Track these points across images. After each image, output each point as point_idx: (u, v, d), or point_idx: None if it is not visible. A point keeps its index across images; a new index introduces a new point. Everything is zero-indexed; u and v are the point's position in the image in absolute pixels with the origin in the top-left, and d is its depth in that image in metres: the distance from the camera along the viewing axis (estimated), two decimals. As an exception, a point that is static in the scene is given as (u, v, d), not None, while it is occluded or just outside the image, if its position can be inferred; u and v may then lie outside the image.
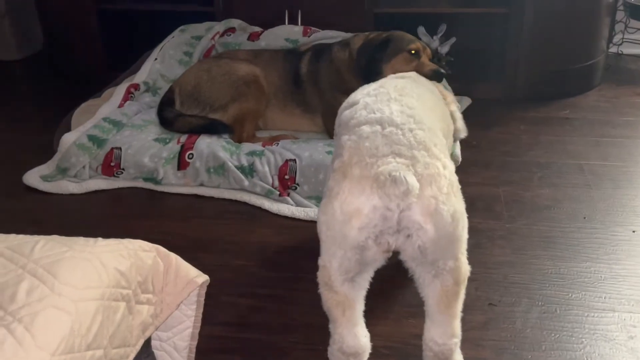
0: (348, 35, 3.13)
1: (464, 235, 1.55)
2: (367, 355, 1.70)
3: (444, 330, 1.62)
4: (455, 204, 1.48)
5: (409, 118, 1.57)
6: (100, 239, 1.25)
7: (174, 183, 2.73)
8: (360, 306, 1.64)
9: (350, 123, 1.63)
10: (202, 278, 1.37)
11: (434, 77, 2.71)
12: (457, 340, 1.66)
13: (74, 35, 3.92)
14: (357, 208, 1.42)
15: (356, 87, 2.76)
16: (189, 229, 2.50)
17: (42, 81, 4.26)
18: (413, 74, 2.18)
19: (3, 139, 3.34)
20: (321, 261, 1.59)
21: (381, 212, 1.41)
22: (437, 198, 1.43)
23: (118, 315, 1.15)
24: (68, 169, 2.79)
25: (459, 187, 1.57)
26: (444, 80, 3.25)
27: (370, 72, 2.67)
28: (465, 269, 1.60)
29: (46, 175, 2.81)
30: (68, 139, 2.79)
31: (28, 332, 0.96)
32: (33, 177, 2.80)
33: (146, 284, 1.26)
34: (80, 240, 1.22)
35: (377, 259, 1.54)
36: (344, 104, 1.83)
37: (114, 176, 2.77)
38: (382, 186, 1.38)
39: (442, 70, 2.72)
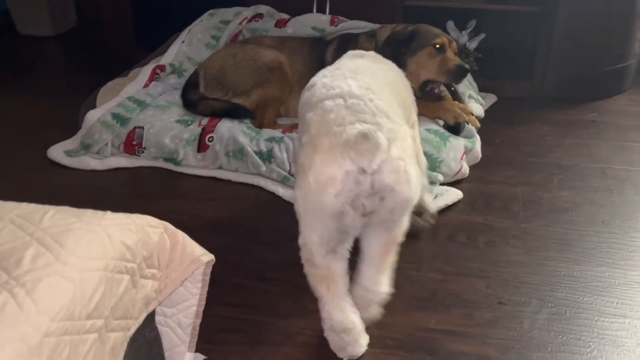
0: (375, 26, 3.12)
1: (417, 198, 1.64)
2: (359, 331, 1.76)
3: (380, 278, 1.74)
4: (415, 167, 1.59)
5: (367, 90, 1.65)
6: (109, 212, 1.28)
7: (193, 165, 2.76)
8: (343, 281, 1.70)
9: (312, 101, 1.70)
10: (208, 257, 1.39)
11: (458, 72, 2.70)
12: (388, 289, 1.78)
13: (106, 15, 3.98)
14: (330, 176, 1.48)
15: None
16: (205, 211, 2.52)
17: (74, 58, 4.35)
18: (372, 53, 2.18)
19: (32, 112, 3.41)
20: (301, 239, 1.66)
21: (354, 176, 1.47)
22: (404, 159, 1.52)
23: (121, 287, 1.18)
24: (91, 145, 2.84)
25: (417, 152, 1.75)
26: (469, 76, 3.24)
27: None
28: (406, 226, 1.72)
29: (70, 150, 2.87)
30: (92, 116, 2.84)
31: (29, 297, 0.98)
32: (57, 152, 2.86)
33: (152, 259, 1.29)
34: (89, 212, 1.25)
35: (356, 225, 1.58)
36: (305, 88, 1.88)
37: (135, 155, 2.81)
38: (354, 145, 1.45)
39: (466, 66, 2.70)
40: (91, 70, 3.90)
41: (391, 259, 1.75)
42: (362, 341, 1.80)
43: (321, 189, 1.49)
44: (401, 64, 2.64)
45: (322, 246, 1.62)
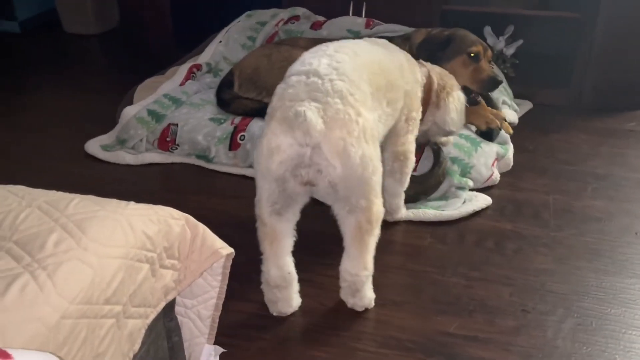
0: (410, 29, 3.11)
1: (374, 178, 1.75)
2: (292, 289, 1.95)
3: (357, 262, 1.87)
4: (365, 149, 1.69)
5: (333, 70, 1.75)
6: (132, 202, 1.31)
7: (225, 162, 2.80)
8: (287, 241, 1.87)
9: (286, 74, 1.83)
10: (227, 250, 1.41)
11: (489, 83, 2.70)
12: (367, 274, 1.92)
13: (147, 15, 4.08)
14: (277, 145, 1.66)
15: None
16: (232, 207, 2.56)
17: (115, 56, 4.46)
18: (386, 42, 2.25)
19: (72, 107, 3.52)
20: (256, 196, 1.83)
21: (296, 148, 1.65)
22: (346, 140, 1.64)
23: (140, 275, 1.21)
24: (127, 140, 2.91)
25: (375, 136, 1.79)
26: (505, 82, 3.20)
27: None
28: (378, 210, 1.81)
29: (106, 145, 2.94)
30: (129, 112, 2.91)
31: (50, 280, 1.02)
32: (94, 146, 2.94)
33: (172, 249, 1.32)
34: (114, 201, 1.29)
35: (298, 192, 1.76)
36: None
37: (169, 151, 2.87)
38: (290, 122, 1.61)
39: (499, 78, 2.71)
40: (131, 68, 3.99)
41: (366, 245, 1.85)
42: (293, 303, 1.97)
43: (269, 155, 1.68)
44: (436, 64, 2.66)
45: (267, 206, 1.80)
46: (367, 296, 1.98)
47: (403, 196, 2.40)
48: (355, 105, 1.70)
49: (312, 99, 1.66)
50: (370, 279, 1.95)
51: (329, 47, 1.91)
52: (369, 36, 3.15)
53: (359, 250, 1.86)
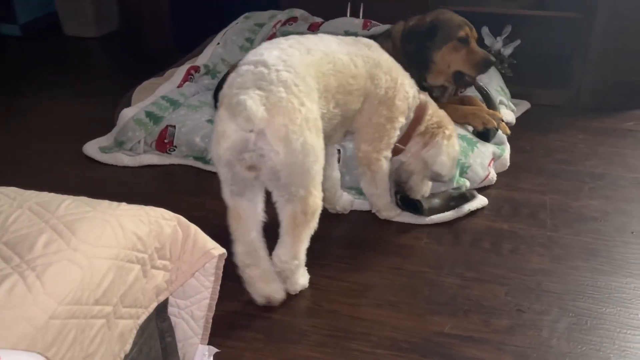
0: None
1: (315, 168, 1.82)
2: (264, 268, 1.99)
3: (288, 250, 1.94)
4: (307, 137, 1.76)
5: (281, 62, 1.81)
6: (124, 203, 1.32)
7: (222, 164, 2.80)
8: (251, 220, 1.94)
9: (239, 63, 1.89)
10: (219, 250, 1.42)
11: (483, 65, 2.68)
12: (297, 263, 1.99)
13: (146, 17, 4.10)
14: (224, 131, 1.75)
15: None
16: (229, 209, 2.56)
17: (115, 58, 4.47)
18: (372, 43, 2.24)
19: (71, 109, 3.54)
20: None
21: (241, 134, 1.72)
22: (288, 127, 1.71)
23: (131, 276, 1.21)
24: (125, 142, 2.92)
25: (319, 127, 1.83)
26: (502, 82, 3.20)
27: (421, 59, 2.67)
28: (314, 202, 1.87)
29: (104, 146, 2.96)
30: (127, 114, 2.92)
31: (39, 280, 1.03)
32: (92, 148, 2.95)
33: (163, 250, 1.32)
34: (105, 203, 1.29)
35: (245, 176, 1.82)
36: None
37: (167, 152, 2.88)
38: (232, 107, 1.69)
39: (492, 58, 2.69)
40: (130, 71, 4.01)
41: (298, 236, 1.92)
42: (273, 285, 2.00)
43: (218, 141, 1.77)
44: (428, 58, 2.66)
45: (226, 188, 1.90)
46: (299, 283, 2.06)
47: (387, 197, 2.40)
48: (299, 95, 1.77)
49: (258, 87, 1.73)
50: (302, 267, 2.03)
51: (285, 42, 1.95)
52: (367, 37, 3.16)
53: (292, 240, 1.92)
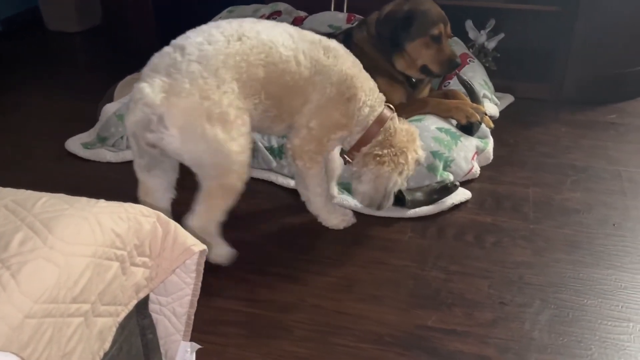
0: None
1: (219, 158, 1.91)
2: None
3: (198, 220, 2.03)
4: (207, 129, 1.85)
5: (197, 51, 1.88)
6: (102, 200, 1.31)
7: (206, 159, 2.79)
8: (158, 195, 2.11)
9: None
10: (200, 247, 1.41)
11: (448, 65, 2.68)
12: (208, 233, 2.05)
13: (130, 12, 4.06)
14: (131, 107, 1.87)
15: (382, 64, 2.73)
16: (214, 204, 2.55)
17: (98, 53, 4.43)
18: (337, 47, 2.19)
19: (54, 105, 3.50)
20: None
21: (144, 113, 1.83)
22: (186, 118, 1.82)
23: (109, 274, 1.20)
24: (107, 138, 2.90)
25: (228, 120, 1.89)
26: (485, 76, 3.21)
27: (393, 45, 2.66)
28: (229, 184, 1.97)
29: (87, 142, 2.93)
30: (109, 109, 2.90)
31: (13, 279, 1.02)
32: (74, 144, 2.93)
33: (143, 247, 1.31)
34: (83, 200, 1.28)
35: (149, 151, 1.95)
36: None
37: (150, 148, 2.86)
38: (134, 90, 1.83)
39: (458, 60, 2.68)
40: (114, 66, 3.98)
41: (211, 209, 2.02)
42: None
43: (127, 114, 1.90)
44: (399, 45, 2.64)
45: (135, 160, 2.05)
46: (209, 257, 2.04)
47: (319, 202, 2.34)
48: (204, 88, 1.84)
49: (166, 73, 1.83)
50: (215, 239, 2.10)
51: (222, 26, 1.98)
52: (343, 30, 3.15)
53: (204, 211, 2.02)
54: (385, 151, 2.18)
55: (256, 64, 1.96)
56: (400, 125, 2.24)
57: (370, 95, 2.20)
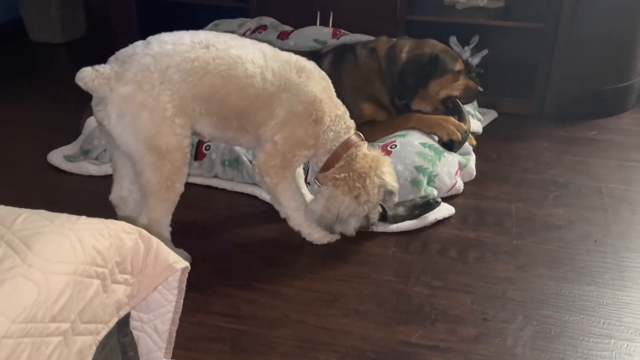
0: (370, 38, 3.13)
1: (143, 149, 2.00)
2: (125, 207, 2.28)
3: (144, 219, 2.12)
4: (141, 117, 1.97)
5: (156, 48, 2.00)
6: (84, 217, 1.29)
7: (190, 173, 2.77)
8: (119, 174, 2.25)
9: None
10: (182, 264, 1.40)
11: (473, 94, 2.91)
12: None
13: (114, 24, 4.04)
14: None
15: (382, 96, 2.83)
16: (198, 218, 2.55)
17: (82, 65, 4.35)
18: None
19: (37, 117, 3.48)
20: None
21: (99, 96, 2.00)
22: (123, 101, 1.95)
23: (90, 291, 1.19)
24: (90, 151, 2.87)
25: (161, 115, 1.98)
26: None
27: (415, 89, 2.81)
28: (160, 176, 2.05)
29: (69, 155, 2.91)
30: (92, 122, 2.87)
31: (-9, 298, 1.00)
32: (56, 157, 2.90)
33: (124, 264, 1.30)
34: (64, 216, 1.27)
35: (107, 140, 2.17)
36: None
37: (133, 161, 2.84)
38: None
39: (480, 89, 2.89)
40: (98, 78, 3.95)
41: (151, 206, 2.10)
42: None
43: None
44: (423, 85, 2.79)
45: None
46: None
47: (298, 218, 2.34)
48: (149, 80, 1.95)
49: (121, 62, 1.99)
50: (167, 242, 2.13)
51: (197, 34, 2.10)
52: (331, 46, 3.17)
53: (145, 209, 2.11)
54: (343, 175, 2.21)
55: (215, 73, 2.05)
56: (367, 152, 2.27)
57: (336, 121, 2.24)
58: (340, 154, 2.24)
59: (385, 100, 2.88)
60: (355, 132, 2.30)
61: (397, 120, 2.82)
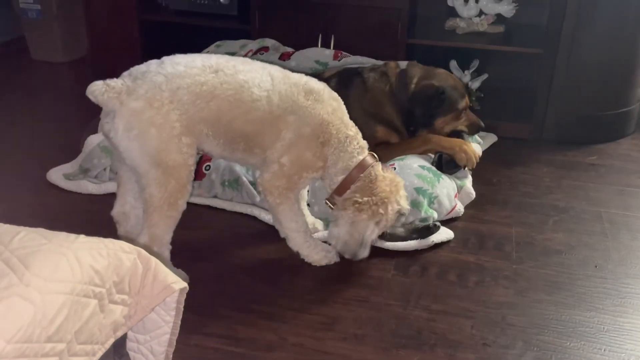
0: (378, 62, 3.15)
1: (148, 164, 2.02)
2: (126, 223, 2.30)
3: (144, 235, 2.13)
4: (147, 132, 1.99)
5: (169, 68, 2.04)
6: (82, 235, 1.29)
7: (189, 192, 2.77)
8: (127, 187, 2.25)
9: None
10: (180, 285, 1.39)
11: (477, 129, 2.97)
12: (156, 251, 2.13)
13: (116, 43, 4.07)
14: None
15: (394, 120, 2.88)
16: (197, 239, 2.53)
17: (84, 84, 4.33)
18: (322, 89, 2.25)
19: (37, 135, 3.47)
20: None
21: (107, 109, 2.03)
22: (132, 115, 1.97)
23: (87, 311, 1.18)
24: (90, 169, 2.87)
25: (168, 133, 2.01)
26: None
27: (422, 121, 2.86)
28: (163, 192, 2.06)
29: (69, 174, 2.90)
30: (92, 141, 2.88)
31: (-13, 318, 0.99)
32: (56, 175, 2.89)
33: (122, 284, 1.29)
34: (62, 235, 1.26)
35: (115, 153, 2.19)
36: None
37: (133, 181, 2.83)
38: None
39: (482, 124, 2.95)
40: (99, 97, 3.96)
41: (152, 222, 2.10)
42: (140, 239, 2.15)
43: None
44: (428, 122, 2.85)
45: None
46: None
47: (299, 239, 2.33)
48: (159, 98, 1.98)
49: (134, 78, 2.02)
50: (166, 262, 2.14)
51: (209, 57, 2.13)
52: (332, 69, 3.19)
53: (145, 225, 2.12)
54: (366, 199, 2.18)
55: (222, 97, 2.08)
56: (383, 173, 2.25)
57: (347, 142, 2.22)
58: (355, 176, 2.22)
59: (397, 123, 2.90)
60: (370, 153, 2.28)
61: (416, 141, 2.84)
